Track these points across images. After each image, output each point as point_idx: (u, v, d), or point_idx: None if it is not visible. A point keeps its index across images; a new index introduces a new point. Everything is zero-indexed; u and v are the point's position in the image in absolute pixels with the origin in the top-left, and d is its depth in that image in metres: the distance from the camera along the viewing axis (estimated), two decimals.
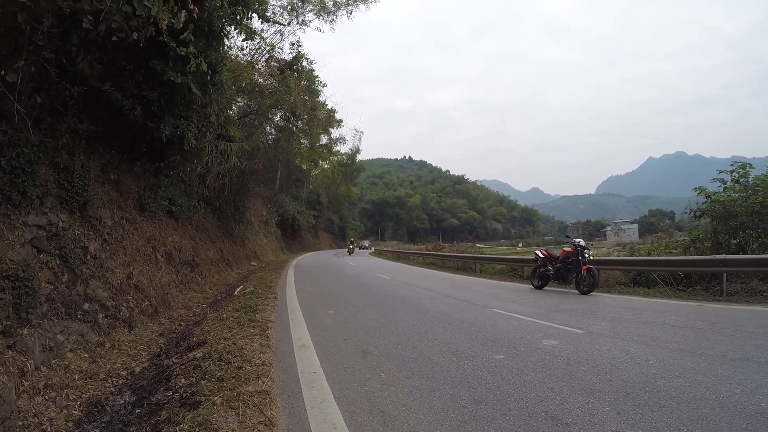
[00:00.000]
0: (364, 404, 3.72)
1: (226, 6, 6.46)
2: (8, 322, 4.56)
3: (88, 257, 6.89)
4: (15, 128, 5.27)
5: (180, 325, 8.43)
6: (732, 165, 11.60)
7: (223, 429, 3.05)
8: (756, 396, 3.54)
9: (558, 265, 11.24)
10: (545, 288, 11.68)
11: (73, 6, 4.29)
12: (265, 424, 3.18)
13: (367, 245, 60.99)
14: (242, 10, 7.33)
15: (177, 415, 3.44)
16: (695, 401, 3.49)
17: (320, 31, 20.75)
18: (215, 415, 3.26)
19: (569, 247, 11.07)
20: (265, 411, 3.42)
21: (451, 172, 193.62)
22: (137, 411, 4.27)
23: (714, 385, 3.82)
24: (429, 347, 5.63)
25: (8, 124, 5.21)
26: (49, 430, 4.11)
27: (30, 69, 5.00)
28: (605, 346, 5.38)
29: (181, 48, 5.21)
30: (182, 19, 4.31)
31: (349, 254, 39.61)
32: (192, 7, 4.38)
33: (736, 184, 11.29)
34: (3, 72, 4.54)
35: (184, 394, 3.92)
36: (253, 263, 22.74)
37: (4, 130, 5.16)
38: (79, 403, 4.70)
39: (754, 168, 11.28)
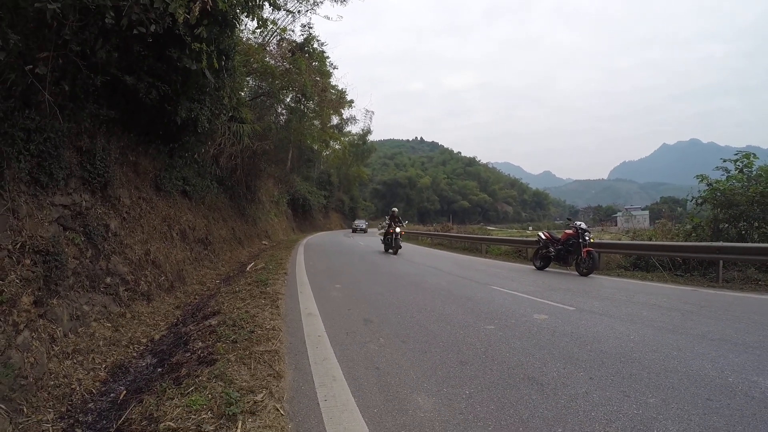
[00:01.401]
0: (362, 362, 4.13)
1: None
2: (40, 293, 4.86)
3: (109, 234, 7.19)
4: (42, 115, 5.56)
5: (195, 298, 8.81)
6: (736, 154, 11.68)
7: (237, 380, 3.45)
8: (725, 372, 3.73)
9: (559, 246, 11.47)
10: (546, 269, 11.93)
11: (97, 1, 4.59)
12: (274, 376, 3.59)
13: (363, 226, 48.01)
14: None
15: (196, 370, 3.84)
16: (665, 372, 3.74)
17: (329, 18, 20.56)
18: (230, 369, 3.67)
19: (570, 229, 11.30)
20: (274, 366, 3.83)
21: (462, 154, 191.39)
22: (159, 370, 4.67)
23: (687, 360, 4.05)
24: (426, 317, 6.01)
25: (36, 111, 5.51)
26: (78, 389, 4.43)
27: (58, 61, 5.30)
28: (592, 321, 5.67)
29: (195, 44, 5.49)
30: (197, 13, 4.60)
31: (394, 253, 17.73)
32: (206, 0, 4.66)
33: (739, 173, 11.36)
34: (34, 65, 4.84)
35: (202, 354, 4.32)
36: (264, 242, 23.02)
37: (33, 117, 5.44)
38: (104, 366, 5.05)
39: (758, 158, 11.34)
